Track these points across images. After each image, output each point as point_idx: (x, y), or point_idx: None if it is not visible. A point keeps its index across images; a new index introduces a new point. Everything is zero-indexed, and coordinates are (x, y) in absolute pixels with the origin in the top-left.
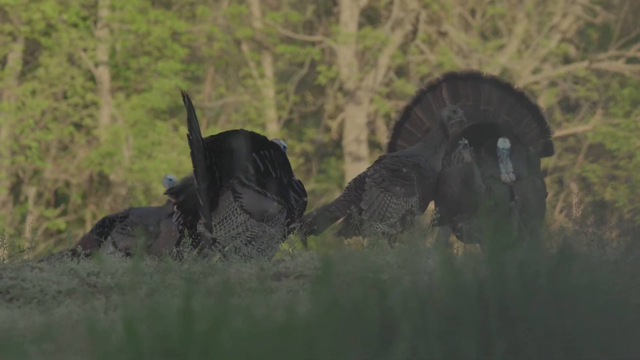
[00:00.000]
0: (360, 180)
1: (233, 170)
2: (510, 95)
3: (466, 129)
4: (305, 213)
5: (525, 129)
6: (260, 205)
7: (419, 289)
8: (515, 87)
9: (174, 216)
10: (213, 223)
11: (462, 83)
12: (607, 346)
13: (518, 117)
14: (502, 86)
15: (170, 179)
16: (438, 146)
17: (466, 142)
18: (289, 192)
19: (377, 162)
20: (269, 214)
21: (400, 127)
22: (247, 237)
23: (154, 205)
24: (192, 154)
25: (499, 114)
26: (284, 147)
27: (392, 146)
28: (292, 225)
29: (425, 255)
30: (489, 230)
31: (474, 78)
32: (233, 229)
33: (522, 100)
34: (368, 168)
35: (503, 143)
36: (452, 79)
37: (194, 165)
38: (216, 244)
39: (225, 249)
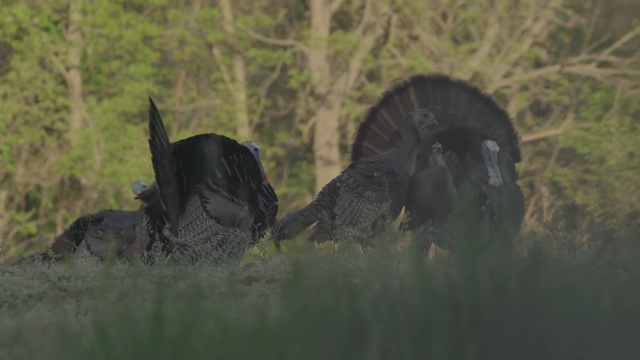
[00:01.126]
0: (334, 185)
1: (201, 174)
2: (478, 100)
3: (440, 133)
4: (277, 217)
5: (493, 135)
6: (227, 210)
7: (389, 293)
8: (483, 92)
9: (144, 220)
10: (180, 227)
11: (430, 86)
12: (578, 350)
13: (486, 123)
14: (470, 91)
15: (141, 185)
16: (412, 151)
17: (440, 146)
18: (258, 196)
19: (351, 167)
20: (236, 218)
21: (366, 129)
22: (214, 241)
23: (125, 209)
24: (154, 159)
25: (467, 119)
26: (256, 149)
27: (357, 148)
28: (264, 230)
29: (396, 259)
30: (461, 234)
31: (442, 82)
32: (199, 234)
33: (490, 106)
34: (342, 173)
35: (493, 146)
36: (420, 82)
37: (155, 170)
38: (185, 248)
39: (190, 252)
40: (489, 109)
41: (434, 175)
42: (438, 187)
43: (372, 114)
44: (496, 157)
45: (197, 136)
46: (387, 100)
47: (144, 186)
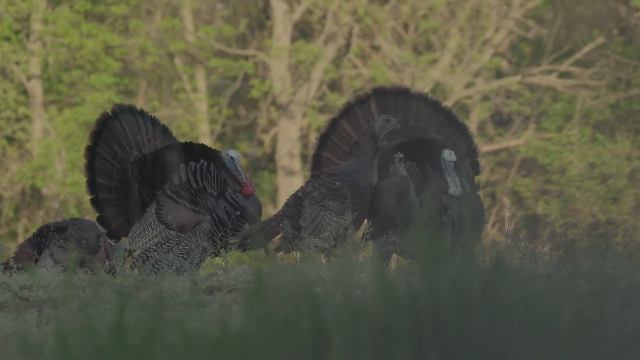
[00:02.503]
0: (299, 197)
1: (160, 182)
2: (439, 113)
3: (401, 144)
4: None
5: (452, 148)
6: (180, 217)
7: (352, 303)
8: (444, 105)
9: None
10: (135, 234)
11: (391, 98)
12: (540, 359)
13: (446, 135)
14: (431, 103)
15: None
16: (372, 159)
17: (401, 156)
18: (221, 204)
19: (314, 178)
20: (189, 225)
21: (327, 139)
22: (165, 247)
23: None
24: (86, 165)
25: (428, 131)
26: (232, 158)
27: (317, 158)
28: (232, 241)
29: (358, 268)
30: (423, 243)
31: (403, 94)
32: (149, 240)
33: (450, 119)
34: (306, 184)
35: (449, 155)
36: (381, 93)
37: (86, 176)
38: (146, 255)
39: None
40: (449, 121)
41: (396, 185)
42: (400, 197)
43: (333, 125)
44: (452, 167)
45: (166, 146)
46: (348, 110)
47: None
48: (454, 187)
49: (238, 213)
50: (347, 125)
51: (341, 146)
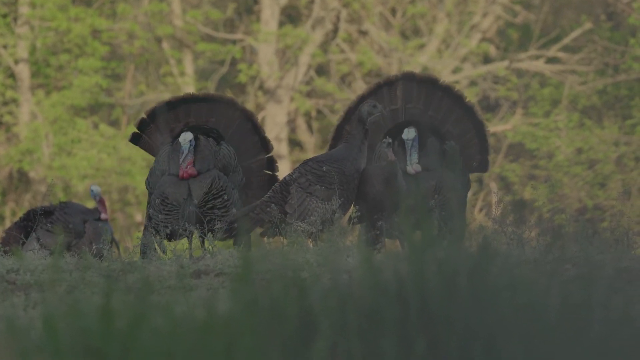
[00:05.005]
0: (286, 183)
1: None
2: (460, 108)
3: (391, 128)
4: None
5: (467, 143)
6: None
7: (338, 287)
8: (467, 99)
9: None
10: None
11: (418, 85)
12: (527, 344)
13: (462, 130)
14: (454, 96)
15: (92, 190)
16: (361, 144)
17: (390, 140)
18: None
19: (302, 165)
20: None
21: (352, 113)
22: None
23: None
24: None
25: (445, 123)
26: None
27: (339, 129)
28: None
29: (345, 253)
30: (409, 228)
31: (430, 83)
32: None
33: (470, 114)
34: (294, 170)
35: (407, 133)
36: (410, 79)
37: None
38: None
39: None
40: (469, 117)
41: (384, 170)
42: (388, 182)
43: (360, 101)
44: (411, 145)
45: None
46: (375, 90)
47: (93, 191)
48: (410, 165)
49: (157, 200)
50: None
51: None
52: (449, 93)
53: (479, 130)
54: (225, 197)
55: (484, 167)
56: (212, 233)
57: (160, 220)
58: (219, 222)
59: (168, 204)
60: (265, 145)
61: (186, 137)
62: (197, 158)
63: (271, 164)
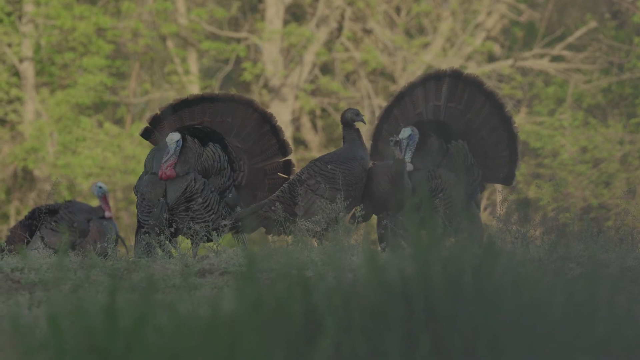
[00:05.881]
0: (294, 183)
1: None
2: (499, 116)
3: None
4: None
5: (498, 153)
6: None
7: (343, 286)
8: (507, 110)
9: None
10: None
11: (462, 84)
12: (531, 343)
13: (496, 140)
14: (496, 104)
15: (100, 187)
16: (361, 142)
17: (397, 139)
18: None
19: (311, 165)
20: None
21: (403, 98)
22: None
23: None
24: None
25: (480, 130)
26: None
27: (388, 112)
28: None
29: (349, 252)
30: (414, 227)
31: (475, 85)
32: None
33: (507, 124)
34: (302, 170)
35: (403, 133)
36: (457, 78)
37: None
38: None
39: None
40: (505, 127)
41: (391, 168)
42: (395, 181)
43: (412, 87)
44: (405, 144)
45: None
46: (424, 81)
47: (100, 187)
48: None
49: (138, 199)
50: (420, 93)
51: (410, 110)
52: (492, 99)
53: (512, 143)
54: (200, 200)
55: (509, 179)
56: (216, 232)
57: (144, 221)
58: (196, 224)
59: (146, 205)
60: (284, 148)
61: (173, 138)
62: (180, 160)
63: (287, 167)
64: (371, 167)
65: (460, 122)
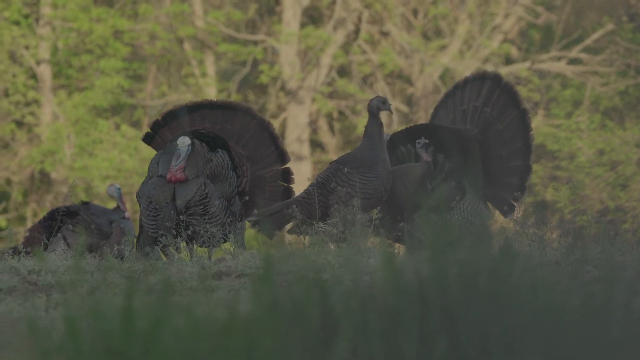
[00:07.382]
0: (322, 184)
1: None
2: (522, 139)
3: (409, 129)
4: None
5: (512, 171)
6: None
7: (360, 289)
8: (532, 132)
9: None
10: None
11: (500, 90)
12: (547, 346)
13: (512, 150)
14: (523, 124)
15: (117, 188)
16: (381, 139)
17: (426, 141)
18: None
19: (336, 171)
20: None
21: (448, 98)
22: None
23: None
24: None
25: (504, 145)
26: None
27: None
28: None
29: (366, 254)
30: (431, 229)
31: (510, 93)
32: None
33: (527, 148)
34: (327, 175)
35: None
36: (497, 82)
37: None
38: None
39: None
40: (523, 134)
41: (419, 170)
42: (421, 182)
43: (465, 83)
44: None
45: None
46: (465, 83)
47: (119, 189)
48: None
49: (144, 202)
50: (463, 94)
51: (457, 105)
52: (523, 116)
53: (527, 150)
54: (208, 205)
55: (522, 188)
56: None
57: (149, 225)
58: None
59: (152, 208)
60: (282, 156)
61: (185, 141)
62: (189, 163)
63: (287, 175)
64: (398, 167)
65: (488, 131)
